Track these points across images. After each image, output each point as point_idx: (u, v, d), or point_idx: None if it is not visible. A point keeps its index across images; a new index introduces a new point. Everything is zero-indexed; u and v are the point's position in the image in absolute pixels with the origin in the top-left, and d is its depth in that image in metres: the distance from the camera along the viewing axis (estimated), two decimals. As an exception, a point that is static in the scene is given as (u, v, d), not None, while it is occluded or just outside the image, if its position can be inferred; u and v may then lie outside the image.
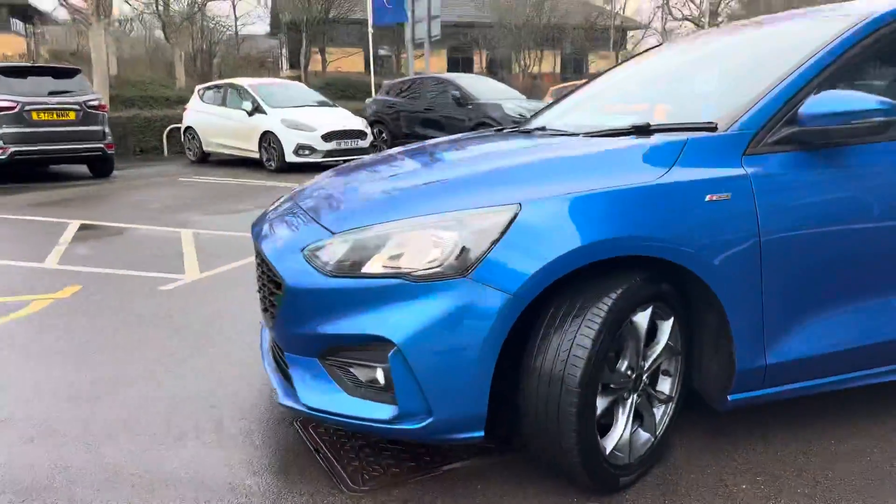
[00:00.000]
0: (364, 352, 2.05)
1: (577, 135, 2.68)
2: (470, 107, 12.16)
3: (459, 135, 3.58)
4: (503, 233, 1.96)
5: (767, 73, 2.40)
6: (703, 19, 29.13)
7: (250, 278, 4.13)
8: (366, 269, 2.04)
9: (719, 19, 28.98)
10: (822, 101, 2.20)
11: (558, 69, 34.02)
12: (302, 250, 2.19)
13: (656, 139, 2.30)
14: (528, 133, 3.11)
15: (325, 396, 2.15)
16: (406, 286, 1.97)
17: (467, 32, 31.42)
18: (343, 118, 12.20)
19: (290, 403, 2.24)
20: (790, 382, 2.32)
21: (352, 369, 2.12)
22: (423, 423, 2.00)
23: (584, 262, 1.97)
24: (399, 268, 2.01)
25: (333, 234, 2.18)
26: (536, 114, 3.68)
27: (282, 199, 2.85)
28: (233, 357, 3.40)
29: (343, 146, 11.61)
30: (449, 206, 2.07)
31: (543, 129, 3.11)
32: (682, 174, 2.13)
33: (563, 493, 2.21)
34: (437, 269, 1.96)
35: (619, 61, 4.03)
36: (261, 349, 2.73)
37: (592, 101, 3.49)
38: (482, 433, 2.04)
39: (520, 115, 10.74)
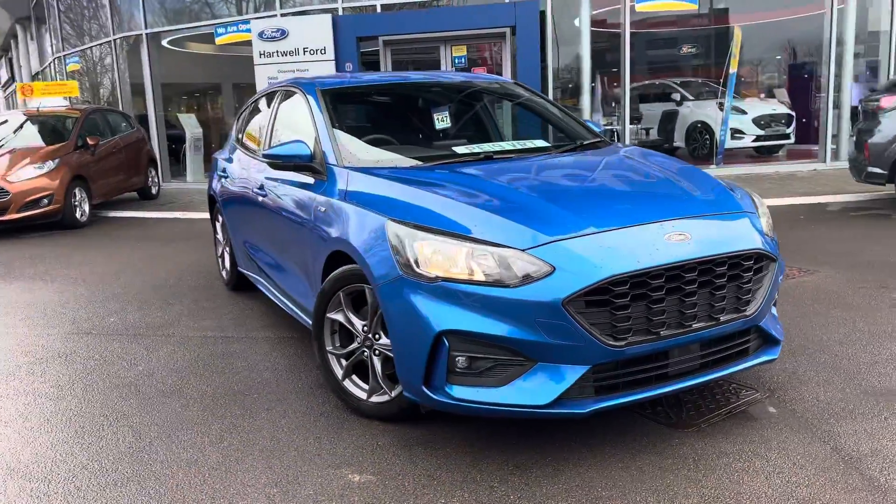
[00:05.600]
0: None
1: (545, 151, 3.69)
2: None
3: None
4: None
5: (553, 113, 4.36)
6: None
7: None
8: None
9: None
10: (595, 123, 4.44)
11: None
12: (761, 233, 2.84)
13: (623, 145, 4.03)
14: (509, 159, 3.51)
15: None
16: None
17: None
18: None
19: (768, 357, 2.90)
20: None
21: None
22: None
23: None
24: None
25: (748, 213, 2.92)
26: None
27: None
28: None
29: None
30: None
31: (490, 156, 3.51)
32: None
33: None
34: None
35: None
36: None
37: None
38: None
39: None
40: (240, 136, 5.04)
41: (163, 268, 6.32)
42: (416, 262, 2.57)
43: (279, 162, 3.50)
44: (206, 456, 2.73)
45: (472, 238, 2.54)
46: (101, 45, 15.08)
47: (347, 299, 2.99)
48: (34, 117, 10.18)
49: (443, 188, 2.94)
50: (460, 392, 2.53)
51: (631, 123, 11.51)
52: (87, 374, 3.70)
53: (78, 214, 9.03)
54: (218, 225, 5.48)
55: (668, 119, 12.66)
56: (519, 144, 3.74)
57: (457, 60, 11.04)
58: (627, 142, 11.11)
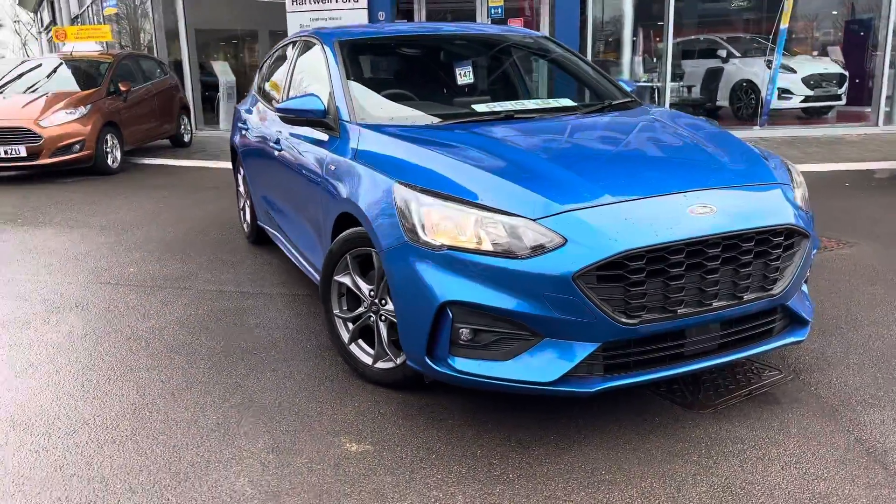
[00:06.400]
0: None
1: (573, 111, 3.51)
2: None
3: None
4: None
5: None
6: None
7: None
8: None
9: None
10: (628, 82, 4.05)
11: None
12: (795, 206, 2.66)
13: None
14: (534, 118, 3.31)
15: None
16: None
17: None
18: None
19: (794, 338, 2.72)
20: None
21: None
22: None
23: None
24: None
25: (781, 184, 2.74)
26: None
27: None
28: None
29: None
30: None
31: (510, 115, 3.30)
32: None
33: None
34: None
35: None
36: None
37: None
38: None
39: None
40: (260, 87, 4.93)
41: (188, 217, 6.32)
42: (423, 229, 2.45)
43: (292, 116, 3.38)
44: (207, 416, 2.70)
45: (481, 205, 2.41)
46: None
47: (354, 262, 2.90)
48: (68, 62, 10.18)
49: (455, 149, 2.80)
50: (463, 364, 2.44)
51: (672, 80, 11.08)
52: (101, 326, 3.70)
53: (110, 161, 9.07)
54: (239, 177, 5.42)
55: (713, 77, 12.16)
56: (542, 103, 3.57)
57: (493, 11, 10.69)
58: (668, 99, 10.72)
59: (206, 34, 15.42)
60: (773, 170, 2.83)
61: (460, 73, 3.89)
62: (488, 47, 4.28)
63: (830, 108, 12.18)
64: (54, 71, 9.88)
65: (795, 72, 11.43)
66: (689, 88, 12.36)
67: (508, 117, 3.27)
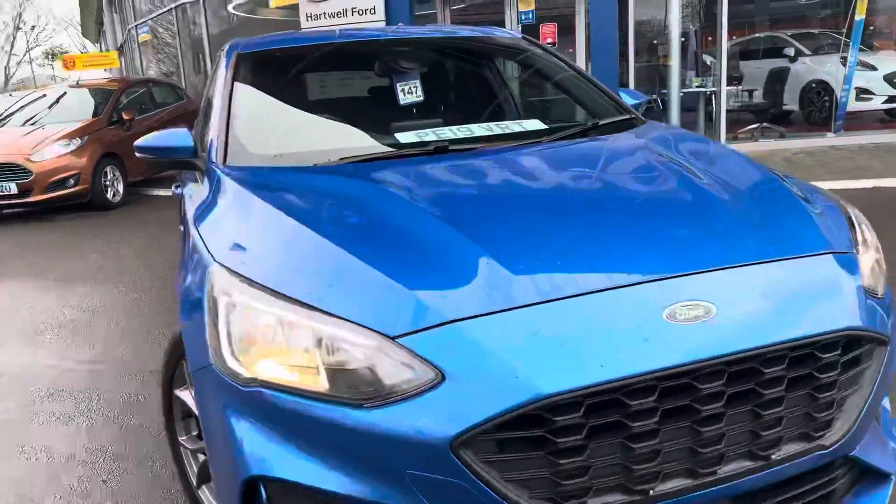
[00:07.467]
0: None
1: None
2: None
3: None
4: None
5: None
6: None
7: None
8: None
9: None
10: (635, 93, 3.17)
11: None
12: (861, 291, 1.59)
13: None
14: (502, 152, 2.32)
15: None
16: None
17: None
18: None
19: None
20: None
21: None
22: None
23: None
24: None
25: (838, 252, 1.67)
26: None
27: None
28: None
29: None
30: None
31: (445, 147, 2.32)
32: None
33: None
34: None
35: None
36: None
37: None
38: None
39: None
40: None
41: (153, 267, 5.56)
42: (230, 344, 1.51)
43: (150, 158, 2.51)
44: None
45: (313, 308, 1.45)
46: (161, 14, 14.67)
47: None
48: (73, 91, 9.74)
49: (320, 207, 1.86)
50: None
51: (730, 84, 9.79)
52: (-53, 429, 2.90)
53: (110, 195, 8.49)
54: (189, 220, 4.62)
55: (777, 78, 10.76)
56: (498, 128, 2.58)
57: (523, 17, 9.70)
58: (724, 105, 9.44)
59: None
60: (820, 223, 1.76)
61: (403, 91, 2.94)
62: (445, 55, 3.32)
63: (920, 108, 10.62)
64: (57, 101, 9.43)
65: (876, 69, 9.97)
66: (751, 92, 10.99)
67: (440, 150, 2.31)
